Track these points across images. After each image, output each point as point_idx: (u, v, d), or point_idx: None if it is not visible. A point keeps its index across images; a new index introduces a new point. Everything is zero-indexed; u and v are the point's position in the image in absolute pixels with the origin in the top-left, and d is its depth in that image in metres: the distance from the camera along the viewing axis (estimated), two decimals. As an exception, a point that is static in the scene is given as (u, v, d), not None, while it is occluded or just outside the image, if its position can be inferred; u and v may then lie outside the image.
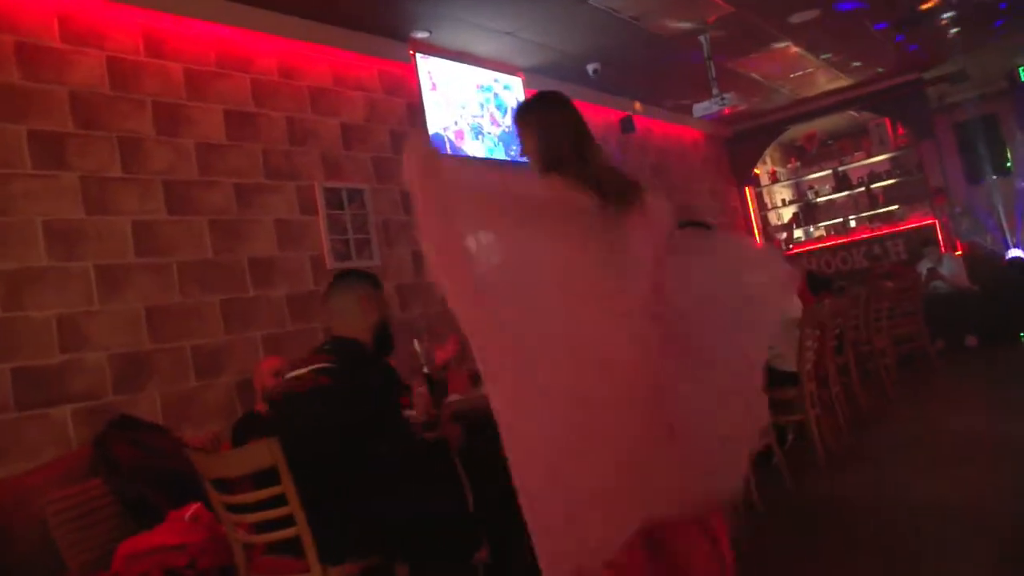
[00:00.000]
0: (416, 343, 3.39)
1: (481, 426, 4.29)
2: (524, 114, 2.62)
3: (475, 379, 4.60)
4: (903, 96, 10.78)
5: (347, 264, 5.61)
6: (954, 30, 9.08)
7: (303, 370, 2.91)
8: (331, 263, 5.50)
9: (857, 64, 9.53)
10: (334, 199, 5.63)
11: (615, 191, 2.38)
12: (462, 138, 6.60)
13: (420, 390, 3.77)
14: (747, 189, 12.12)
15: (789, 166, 12.71)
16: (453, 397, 3.85)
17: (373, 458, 2.77)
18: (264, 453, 2.68)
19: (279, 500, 2.70)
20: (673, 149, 10.46)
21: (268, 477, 2.70)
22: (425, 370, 3.34)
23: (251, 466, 2.73)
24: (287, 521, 2.70)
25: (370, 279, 3.16)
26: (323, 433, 2.73)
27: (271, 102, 5.41)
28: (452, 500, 3.03)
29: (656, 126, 10.13)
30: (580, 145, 2.46)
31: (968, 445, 4.96)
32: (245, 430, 3.31)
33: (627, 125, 9.16)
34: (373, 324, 3.05)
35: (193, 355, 4.61)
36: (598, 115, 8.82)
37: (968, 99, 11.20)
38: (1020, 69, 11.88)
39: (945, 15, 8.42)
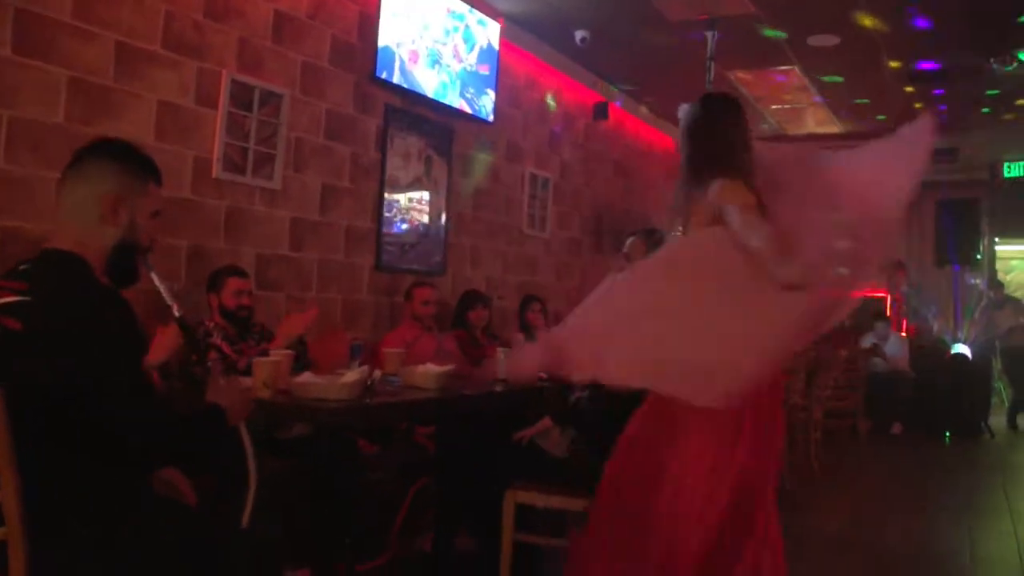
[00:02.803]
0: (153, 275, 2.12)
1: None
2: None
3: (354, 351, 3.65)
4: (889, 158, 10.13)
5: (238, 178, 4.60)
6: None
7: None
8: (219, 171, 4.47)
9: (863, 101, 8.77)
10: (243, 97, 4.60)
11: None
12: (415, 61, 5.60)
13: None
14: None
15: (753, 202, 12.00)
16: (306, 377, 2.87)
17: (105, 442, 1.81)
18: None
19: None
20: (641, 151, 9.61)
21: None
22: (176, 312, 2.25)
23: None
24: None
25: (139, 163, 2.06)
26: (14, 408, 1.71)
27: (193, -43, 4.35)
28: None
29: (630, 122, 9.27)
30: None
31: (910, 562, 4.26)
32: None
33: (600, 112, 8.31)
34: (114, 241, 1.99)
35: (1, 240, 3.56)
36: (573, 92, 7.94)
37: (953, 180, 10.67)
38: (1005, 164, 11.39)
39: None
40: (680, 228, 2.73)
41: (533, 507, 3.19)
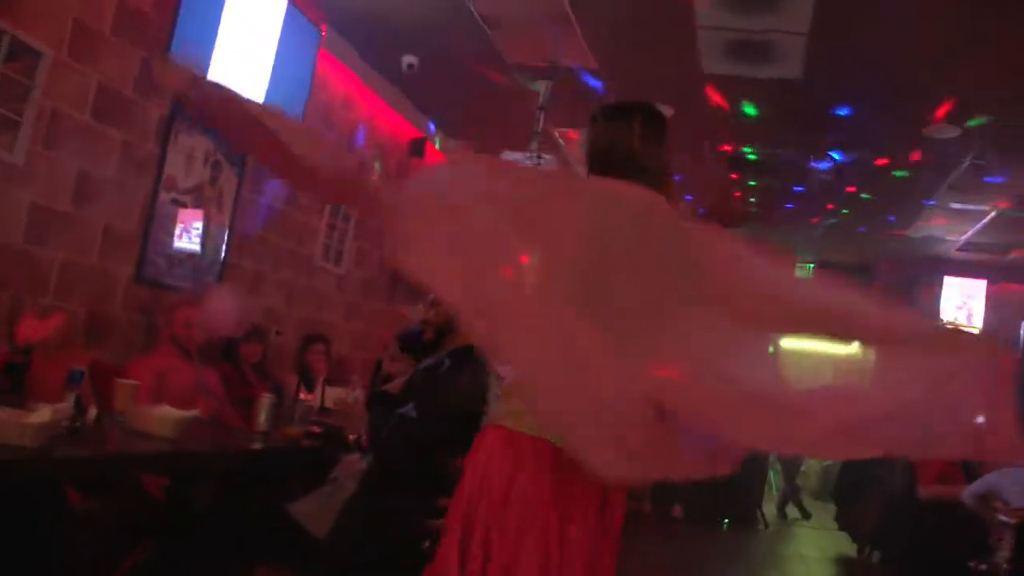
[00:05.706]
0: None
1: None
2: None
3: (73, 377, 2.86)
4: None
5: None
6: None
7: None
8: (-62, 130, 3.58)
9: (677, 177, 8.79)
10: (-12, 45, 3.74)
11: None
12: (220, 47, 4.81)
13: None
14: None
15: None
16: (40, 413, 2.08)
17: None
18: None
19: None
20: (455, 198, 9.16)
21: None
22: None
23: None
24: None
25: None
26: None
27: None
28: None
29: (447, 165, 8.82)
30: None
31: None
32: None
33: (417, 148, 7.80)
34: None
35: None
36: (390, 122, 7.40)
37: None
38: (798, 265, 11.89)
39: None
40: None
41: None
